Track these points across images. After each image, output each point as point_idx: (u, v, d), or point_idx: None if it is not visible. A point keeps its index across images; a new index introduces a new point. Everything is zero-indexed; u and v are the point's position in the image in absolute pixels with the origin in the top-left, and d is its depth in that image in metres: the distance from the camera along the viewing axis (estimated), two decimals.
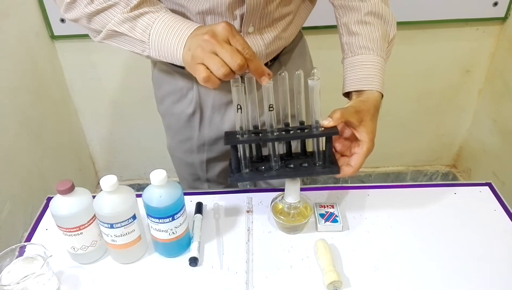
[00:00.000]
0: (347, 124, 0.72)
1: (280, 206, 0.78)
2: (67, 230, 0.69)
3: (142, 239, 0.73)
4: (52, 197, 0.70)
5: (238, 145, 0.71)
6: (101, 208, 0.66)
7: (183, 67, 0.67)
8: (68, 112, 1.70)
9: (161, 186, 0.67)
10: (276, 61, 0.86)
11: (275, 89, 0.67)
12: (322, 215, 0.79)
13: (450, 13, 1.52)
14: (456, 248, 0.75)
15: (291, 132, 0.71)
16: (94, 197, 0.69)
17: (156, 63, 0.90)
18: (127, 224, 0.68)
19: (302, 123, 0.73)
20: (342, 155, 0.76)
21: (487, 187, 0.88)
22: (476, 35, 1.60)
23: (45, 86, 1.51)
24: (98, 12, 0.67)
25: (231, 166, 0.74)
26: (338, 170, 0.72)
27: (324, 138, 0.71)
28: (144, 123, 1.76)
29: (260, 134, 0.71)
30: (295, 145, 0.84)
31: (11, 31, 1.33)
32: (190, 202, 0.85)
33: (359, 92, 0.77)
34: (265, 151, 0.75)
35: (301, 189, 0.77)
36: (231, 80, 0.65)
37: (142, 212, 0.71)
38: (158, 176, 0.66)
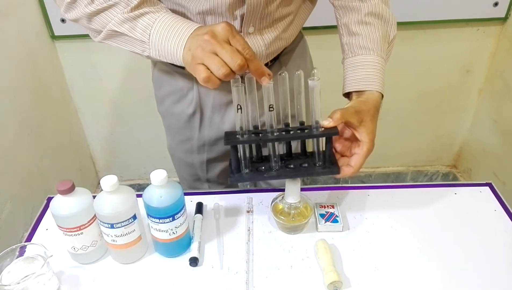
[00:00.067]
0: (347, 124, 0.72)
1: (281, 206, 0.78)
2: (67, 230, 0.69)
3: (143, 239, 0.73)
4: (52, 197, 0.70)
5: (238, 145, 0.71)
6: (102, 208, 0.66)
7: (183, 67, 0.67)
8: (68, 112, 1.70)
9: (161, 186, 0.67)
10: (276, 62, 0.86)
11: (275, 89, 0.68)
12: (322, 215, 0.79)
13: (451, 13, 1.52)
14: (456, 248, 0.75)
15: (291, 132, 0.71)
16: (94, 197, 0.69)
17: (156, 63, 0.90)
18: (127, 224, 0.68)
19: (302, 123, 0.73)
20: (342, 156, 0.76)
21: (487, 187, 0.88)
22: (477, 35, 1.60)
23: (45, 86, 1.51)
24: (98, 12, 0.67)
25: (231, 167, 0.74)
26: (338, 171, 0.72)
27: (324, 138, 0.71)
28: (145, 123, 1.76)
29: (260, 134, 0.71)
30: (295, 146, 0.84)
31: (11, 31, 1.33)
32: (191, 202, 0.85)
33: (359, 92, 0.77)
34: (265, 151, 0.75)
35: (302, 189, 0.77)
36: (231, 80, 0.65)
37: (142, 212, 0.71)
38: (158, 176, 0.66)
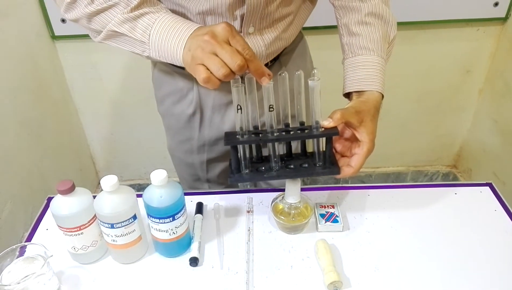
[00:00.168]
0: (348, 124, 0.72)
1: (281, 206, 0.78)
2: (67, 230, 0.69)
3: (143, 239, 0.73)
4: (52, 197, 0.70)
5: (238, 146, 0.71)
6: (102, 208, 0.66)
7: (183, 68, 0.67)
8: (68, 112, 1.70)
9: (161, 186, 0.67)
10: (276, 62, 0.86)
11: (275, 90, 0.67)
12: (322, 215, 0.79)
13: (451, 13, 1.52)
14: (456, 248, 0.75)
15: (291, 132, 0.71)
16: (94, 197, 0.69)
17: (156, 63, 0.90)
18: (127, 224, 0.68)
19: (302, 123, 0.73)
20: (343, 156, 0.76)
21: (487, 187, 0.88)
22: (477, 35, 1.60)
23: (45, 86, 1.52)
24: (98, 12, 0.67)
25: (231, 167, 0.74)
26: (338, 171, 0.72)
27: (324, 138, 0.71)
28: (145, 123, 1.76)
29: (260, 135, 0.71)
30: (295, 146, 0.84)
31: (11, 31, 1.33)
32: (191, 202, 0.85)
33: (359, 92, 0.77)
34: (265, 152, 0.75)
35: (302, 189, 0.77)
36: (231, 81, 0.64)
37: (142, 212, 0.71)
38: (158, 176, 0.66)
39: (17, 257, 0.68)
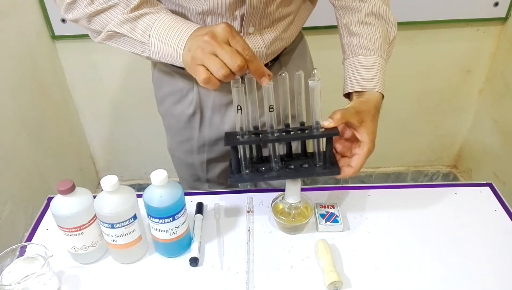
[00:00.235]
0: (348, 125, 0.72)
1: (281, 206, 0.78)
2: (67, 230, 0.69)
3: (143, 239, 0.73)
4: (52, 197, 0.70)
5: (238, 146, 0.71)
6: (102, 208, 0.66)
7: (183, 68, 0.67)
8: (68, 112, 1.70)
9: (161, 186, 0.67)
10: (276, 62, 0.86)
11: (276, 90, 0.67)
12: (322, 215, 0.79)
13: (451, 13, 1.52)
14: (456, 248, 0.75)
15: (292, 133, 0.71)
16: (94, 197, 0.69)
17: (156, 64, 0.90)
18: (127, 224, 0.68)
19: (302, 124, 0.72)
20: (343, 156, 0.76)
21: (487, 188, 0.88)
22: (477, 35, 1.60)
23: (45, 86, 1.52)
24: (98, 12, 0.67)
25: (231, 167, 0.74)
26: (338, 171, 0.72)
27: (324, 139, 0.71)
28: (145, 124, 1.76)
29: (260, 135, 0.71)
30: (296, 146, 0.84)
31: (11, 31, 1.33)
32: (191, 202, 0.85)
33: (359, 92, 0.77)
34: (265, 152, 0.75)
35: (302, 189, 0.77)
36: (231, 81, 0.64)
37: (142, 212, 0.71)
38: (158, 176, 0.66)
39: (17, 257, 0.68)
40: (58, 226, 0.69)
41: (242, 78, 0.67)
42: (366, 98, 0.75)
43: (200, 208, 0.83)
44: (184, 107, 0.89)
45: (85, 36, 0.74)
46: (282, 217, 0.77)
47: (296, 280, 0.70)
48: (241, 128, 0.70)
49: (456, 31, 1.58)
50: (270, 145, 0.71)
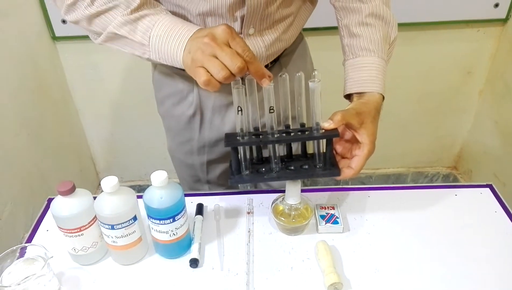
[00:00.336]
0: (348, 126, 0.72)
1: (281, 207, 0.78)
2: (68, 231, 0.69)
3: (143, 240, 0.73)
4: (53, 198, 0.70)
5: (238, 147, 0.71)
6: (102, 209, 0.66)
7: (183, 70, 0.67)
8: (69, 113, 1.70)
9: (162, 187, 0.67)
10: (276, 63, 0.86)
11: (276, 91, 0.68)
12: (322, 217, 0.79)
13: (451, 14, 1.52)
14: (457, 250, 0.75)
15: (292, 134, 0.71)
16: (95, 198, 0.69)
17: (156, 65, 0.90)
18: (127, 225, 0.68)
19: (302, 125, 0.72)
20: (343, 157, 0.76)
21: (488, 189, 0.88)
22: (477, 36, 1.60)
23: (46, 87, 1.52)
24: (98, 14, 0.67)
25: (231, 168, 0.74)
26: (338, 172, 0.72)
27: (324, 140, 0.71)
28: (145, 124, 1.76)
29: (261, 136, 0.71)
30: (296, 147, 0.84)
31: (12, 31, 1.33)
32: (191, 203, 0.85)
33: (360, 94, 0.77)
34: (265, 153, 0.75)
35: (302, 191, 0.77)
36: (231, 82, 0.65)
37: (143, 213, 0.71)
38: (159, 177, 0.66)
39: (18, 258, 0.68)
40: (58, 227, 0.69)
41: (243, 79, 0.67)
42: (367, 99, 0.75)
43: (200, 209, 0.83)
44: (184, 108, 0.89)
45: (86, 37, 0.74)
46: (282, 218, 0.77)
47: (296, 282, 0.70)
48: (241, 129, 0.70)
49: (456, 32, 1.58)
50: (270, 146, 0.71)
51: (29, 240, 0.80)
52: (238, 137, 0.70)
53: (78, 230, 0.69)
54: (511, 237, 0.77)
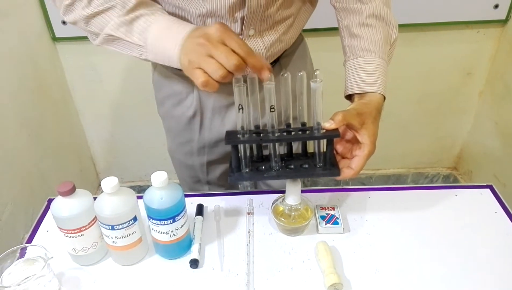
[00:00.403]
0: (349, 126, 0.72)
1: (281, 208, 0.78)
2: (68, 231, 0.69)
3: (143, 240, 0.73)
4: (53, 199, 0.70)
5: (238, 145, 0.71)
6: (102, 210, 0.66)
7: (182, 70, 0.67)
8: (69, 114, 1.70)
9: (162, 188, 0.67)
10: (276, 64, 0.86)
11: (277, 91, 0.67)
12: (323, 217, 0.79)
13: (451, 15, 1.52)
14: (457, 250, 0.75)
15: (292, 133, 0.71)
16: (95, 198, 0.69)
17: (156, 66, 0.90)
18: (128, 226, 0.68)
19: (304, 124, 0.72)
20: (343, 157, 0.76)
21: (488, 190, 0.88)
22: (477, 37, 1.60)
23: (46, 87, 1.52)
24: (95, 14, 0.67)
25: (231, 166, 0.74)
26: (338, 172, 0.72)
27: (325, 139, 0.71)
28: (145, 125, 1.76)
29: (261, 134, 0.71)
30: (296, 146, 0.84)
31: (12, 32, 1.33)
32: (191, 204, 0.85)
33: (361, 94, 0.77)
34: (266, 151, 0.75)
35: (302, 191, 0.77)
36: (233, 80, 0.64)
37: (143, 213, 0.71)
38: (159, 178, 0.66)
39: (18, 259, 0.68)
40: (59, 227, 0.69)
41: (245, 76, 0.67)
42: (368, 100, 0.75)
43: (200, 209, 0.83)
44: (184, 109, 0.89)
45: (86, 38, 0.74)
46: (282, 219, 0.77)
47: (296, 282, 0.70)
48: (242, 127, 0.69)
49: (456, 33, 1.59)
50: (270, 144, 0.71)
51: (29, 240, 0.80)
52: (238, 135, 0.70)
53: (78, 230, 0.69)
54: (511, 238, 0.77)
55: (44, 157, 1.48)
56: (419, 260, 0.73)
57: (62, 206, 0.67)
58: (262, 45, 0.77)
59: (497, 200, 0.85)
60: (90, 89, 1.68)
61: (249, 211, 0.84)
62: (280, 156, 0.73)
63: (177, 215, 0.69)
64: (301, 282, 0.70)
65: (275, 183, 1.03)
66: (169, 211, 0.67)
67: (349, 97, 0.80)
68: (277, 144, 0.71)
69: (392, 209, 0.84)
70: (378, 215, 0.82)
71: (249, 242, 0.77)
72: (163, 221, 0.68)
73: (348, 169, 0.72)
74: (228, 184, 1.06)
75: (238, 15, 0.72)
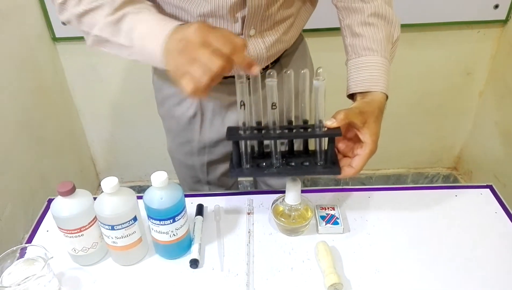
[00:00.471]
0: (351, 125, 0.71)
1: (281, 208, 0.78)
2: (68, 231, 0.69)
3: (143, 241, 0.73)
4: (53, 199, 0.70)
5: (240, 141, 0.71)
6: (102, 210, 0.66)
7: None
8: (69, 114, 1.70)
9: (162, 188, 0.67)
10: (277, 64, 0.86)
11: (279, 88, 0.67)
12: (323, 217, 0.79)
13: (451, 15, 1.52)
14: (457, 250, 0.75)
15: (294, 130, 0.71)
16: (95, 198, 0.69)
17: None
18: (128, 226, 0.68)
19: (305, 121, 0.72)
20: (345, 156, 0.75)
21: (488, 190, 0.88)
22: (477, 37, 1.60)
23: (46, 87, 1.52)
24: (86, 12, 0.66)
25: (232, 161, 0.73)
26: (339, 171, 0.71)
27: (326, 138, 0.71)
28: (145, 125, 1.76)
29: (263, 131, 0.70)
30: (298, 144, 0.84)
31: (12, 32, 1.33)
32: (191, 204, 0.85)
33: (363, 93, 0.77)
34: (267, 148, 0.75)
35: (302, 191, 0.77)
36: (235, 76, 0.64)
37: (143, 213, 0.71)
38: (159, 178, 0.66)
39: (18, 259, 0.68)
40: (58, 227, 0.69)
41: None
42: (370, 99, 0.75)
43: (200, 210, 0.83)
44: (184, 109, 0.89)
45: None
46: (282, 219, 0.77)
47: (296, 282, 0.70)
48: (244, 123, 0.69)
49: (456, 33, 1.59)
50: (271, 141, 0.71)
51: (29, 240, 0.80)
52: (240, 131, 0.70)
53: (78, 230, 0.69)
54: (511, 238, 0.77)
55: (44, 157, 1.48)
56: (419, 260, 0.73)
57: (62, 206, 0.67)
58: (263, 45, 0.77)
59: (497, 200, 0.85)
60: (90, 89, 1.68)
61: (249, 211, 0.84)
62: (281, 153, 0.73)
63: (177, 215, 0.69)
64: (301, 282, 0.70)
65: (275, 184, 1.03)
66: (169, 211, 0.67)
67: (352, 97, 0.80)
68: (278, 141, 0.71)
69: (392, 209, 0.84)
70: (378, 215, 0.82)
71: (249, 242, 0.77)
72: (163, 221, 0.68)
73: (349, 167, 0.72)
74: (228, 184, 1.06)
75: (239, 15, 0.72)
